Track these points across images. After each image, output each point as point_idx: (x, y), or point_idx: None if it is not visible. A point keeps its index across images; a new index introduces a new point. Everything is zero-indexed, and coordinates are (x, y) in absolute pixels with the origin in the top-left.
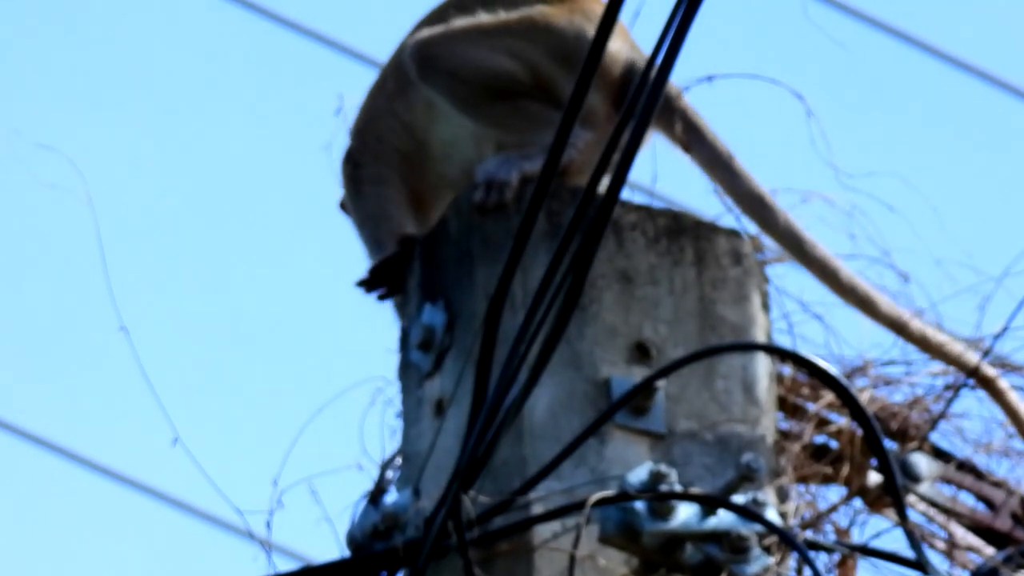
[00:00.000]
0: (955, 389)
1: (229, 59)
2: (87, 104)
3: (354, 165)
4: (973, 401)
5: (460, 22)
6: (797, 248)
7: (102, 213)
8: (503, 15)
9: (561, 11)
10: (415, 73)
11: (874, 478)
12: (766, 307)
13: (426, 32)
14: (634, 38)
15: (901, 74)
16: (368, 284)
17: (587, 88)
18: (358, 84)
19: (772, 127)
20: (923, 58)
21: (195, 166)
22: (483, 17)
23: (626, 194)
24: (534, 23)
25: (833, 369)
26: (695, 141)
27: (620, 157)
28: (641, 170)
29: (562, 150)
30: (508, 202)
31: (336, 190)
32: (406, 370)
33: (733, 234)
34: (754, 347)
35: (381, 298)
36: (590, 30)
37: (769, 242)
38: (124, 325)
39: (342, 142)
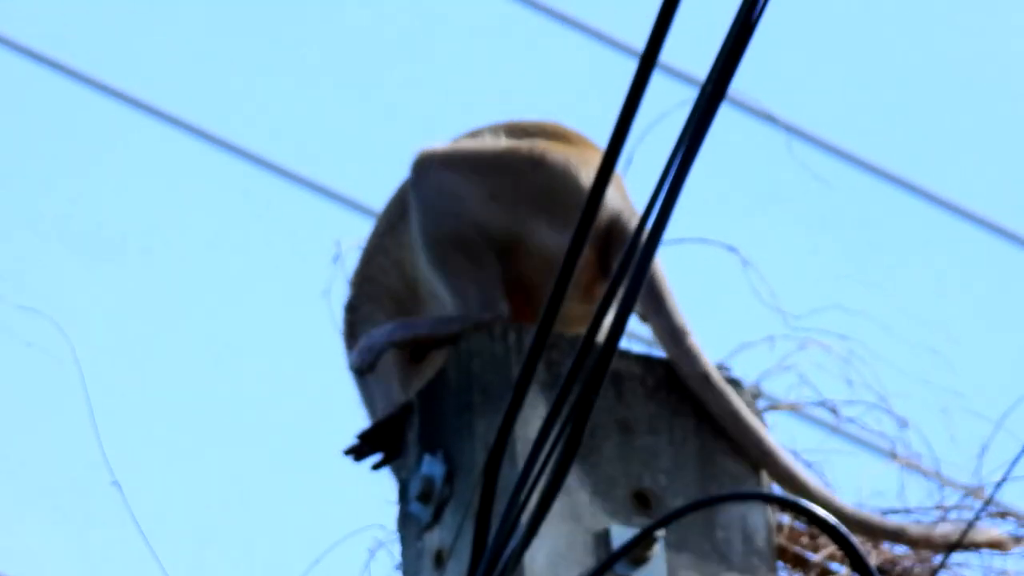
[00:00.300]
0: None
1: (221, 209)
2: (71, 261)
3: (351, 311)
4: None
5: (465, 143)
6: (736, 427)
7: (89, 370)
8: (503, 142)
9: (558, 149)
10: (411, 182)
11: None
12: None
13: (434, 146)
14: (625, 184)
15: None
16: (358, 451)
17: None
18: (355, 232)
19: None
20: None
21: (187, 320)
22: (487, 141)
23: (625, 343)
24: (530, 158)
25: (833, 519)
26: (653, 312)
27: (618, 308)
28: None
29: (563, 295)
30: (365, 368)
31: (333, 339)
32: (405, 522)
33: (734, 383)
34: (754, 496)
35: (376, 467)
36: (581, 176)
37: (767, 390)
38: (116, 480)
39: (340, 289)
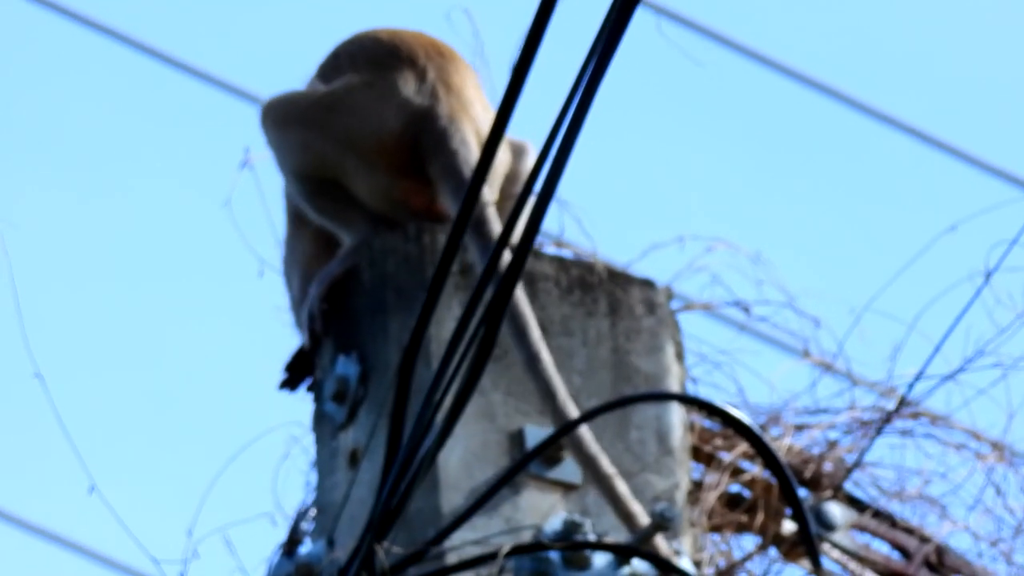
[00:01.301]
0: (871, 437)
1: (127, 110)
2: None
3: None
4: (886, 449)
5: (292, 94)
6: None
7: (15, 261)
8: (317, 90)
9: (362, 85)
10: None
11: (788, 527)
12: (680, 357)
13: (274, 96)
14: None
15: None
16: (290, 382)
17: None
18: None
19: (682, 175)
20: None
21: (106, 215)
22: (308, 90)
23: (539, 244)
24: (331, 103)
25: (747, 419)
26: (517, 343)
27: (532, 207)
28: (554, 220)
29: (475, 200)
30: (316, 339)
31: (236, 246)
32: (320, 421)
33: (646, 284)
34: (668, 396)
35: (311, 389)
36: (380, 108)
37: (679, 291)
38: (39, 372)
39: (244, 198)
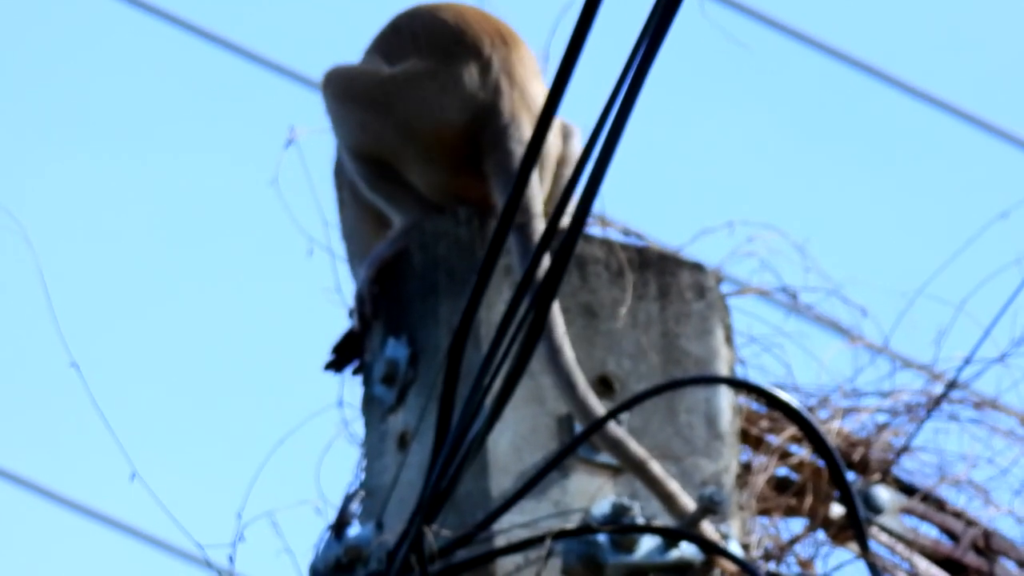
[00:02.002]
0: (919, 421)
1: (172, 87)
2: (22, 141)
3: (336, 176)
4: (931, 433)
5: (349, 70)
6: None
7: (45, 252)
8: (381, 71)
9: (426, 73)
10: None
11: (837, 510)
12: (729, 340)
13: (337, 66)
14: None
15: (860, 103)
16: (336, 364)
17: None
18: (310, 111)
19: (731, 158)
20: (884, 88)
21: (149, 192)
22: (371, 68)
23: (589, 227)
24: (394, 89)
25: (795, 402)
26: (552, 368)
27: (583, 192)
28: (606, 203)
29: (525, 183)
30: (366, 322)
31: (283, 225)
32: (369, 404)
33: (696, 268)
34: (717, 380)
35: (356, 372)
36: (442, 100)
37: (729, 274)
38: (75, 361)
39: (291, 176)
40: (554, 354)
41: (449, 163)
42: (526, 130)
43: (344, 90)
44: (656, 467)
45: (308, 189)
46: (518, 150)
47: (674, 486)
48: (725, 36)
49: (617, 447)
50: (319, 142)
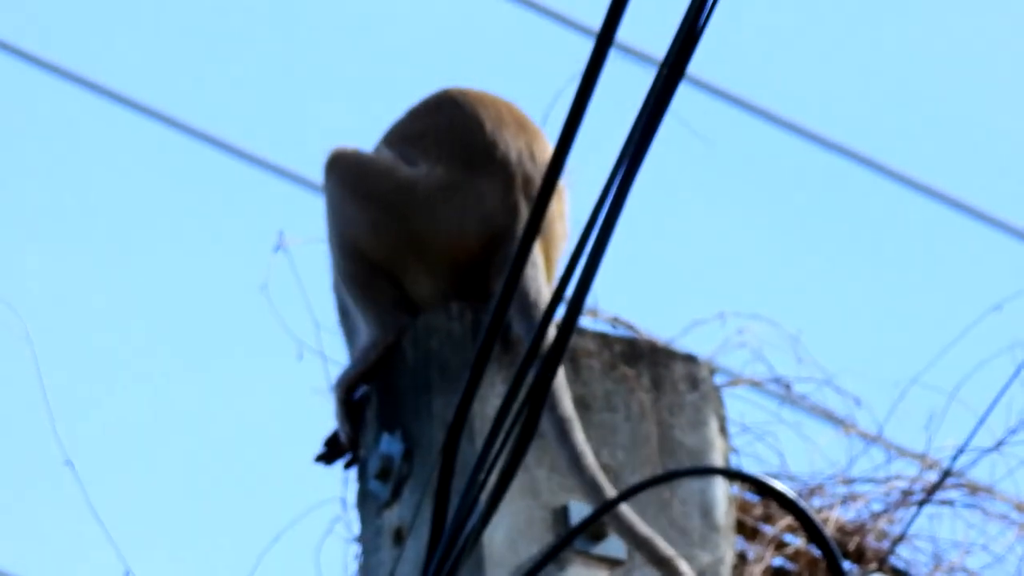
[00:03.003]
0: (917, 506)
1: (164, 184)
2: (19, 238)
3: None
4: (926, 520)
5: (366, 160)
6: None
7: (39, 347)
8: (400, 170)
9: (449, 185)
10: (323, 180)
11: None
12: (723, 431)
13: (344, 149)
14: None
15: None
16: (327, 456)
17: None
18: (301, 208)
19: (721, 250)
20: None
21: (136, 295)
22: (390, 165)
23: (582, 320)
24: (413, 196)
25: (791, 492)
26: (559, 442)
27: (576, 285)
28: (599, 296)
29: (518, 278)
30: (350, 439)
31: (273, 331)
32: (364, 499)
33: (689, 359)
34: (713, 471)
35: (348, 466)
36: (461, 217)
37: (721, 365)
38: (69, 459)
39: (280, 281)
40: (562, 434)
41: (453, 277)
42: (538, 255)
43: (354, 182)
44: (663, 544)
45: (298, 290)
46: (530, 273)
47: (683, 565)
48: (692, 133)
49: (631, 535)
50: (308, 244)
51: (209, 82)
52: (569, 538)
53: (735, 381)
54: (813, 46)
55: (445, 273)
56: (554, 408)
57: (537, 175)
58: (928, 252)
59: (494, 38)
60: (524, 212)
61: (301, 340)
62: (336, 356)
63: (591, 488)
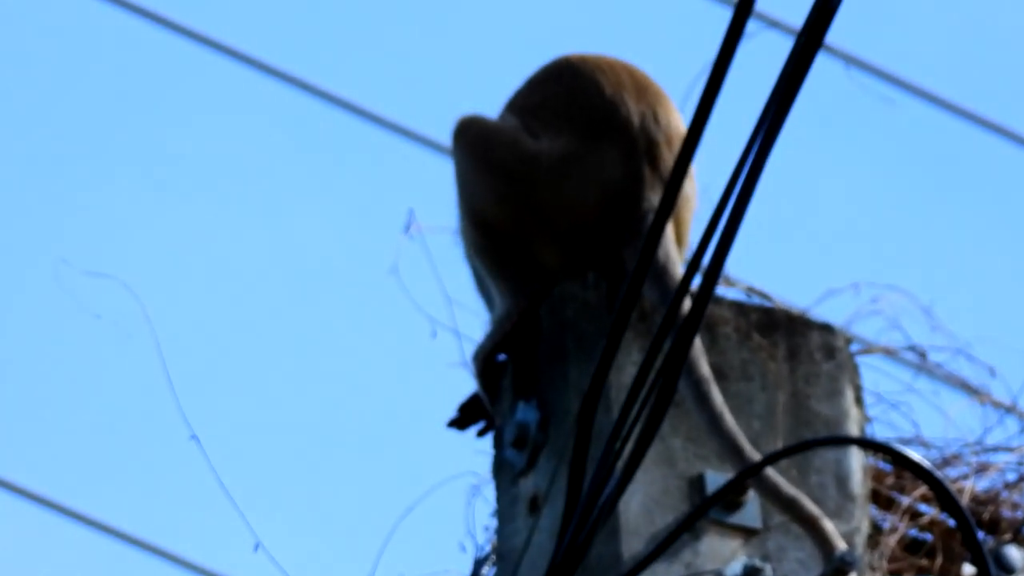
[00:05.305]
0: None
1: (289, 152)
2: (137, 212)
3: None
4: None
5: (495, 128)
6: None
7: (162, 328)
8: (524, 142)
9: (572, 156)
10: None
11: (968, 570)
12: (859, 401)
13: (472, 116)
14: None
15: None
16: (460, 422)
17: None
18: (433, 172)
19: (854, 218)
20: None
21: (264, 263)
22: (515, 136)
23: (719, 288)
24: (537, 166)
25: (926, 462)
26: (698, 408)
27: (712, 255)
28: (733, 264)
29: (653, 252)
30: (491, 408)
31: (404, 308)
32: (500, 468)
33: (825, 328)
34: (848, 441)
35: (480, 434)
36: (584, 185)
37: (856, 334)
38: (195, 434)
39: (410, 261)
40: (700, 396)
41: (581, 245)
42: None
43: (482, 151)
44: (809, 504)
45: (429, 268)
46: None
47: (828, 525)
48: (869, 95)
49: (789, 503)
50: (439, 218)
51: (339, 46)
52: (708, 504)
53: (869, 349)
54: (962, 16)
55: (573, 242)
56: (691, 372)
57: (662, 138)
58: None
59: (624, 6)
60: (648, 176)
61: (434, 318)
62: (469, 332)
63: (731, 450)
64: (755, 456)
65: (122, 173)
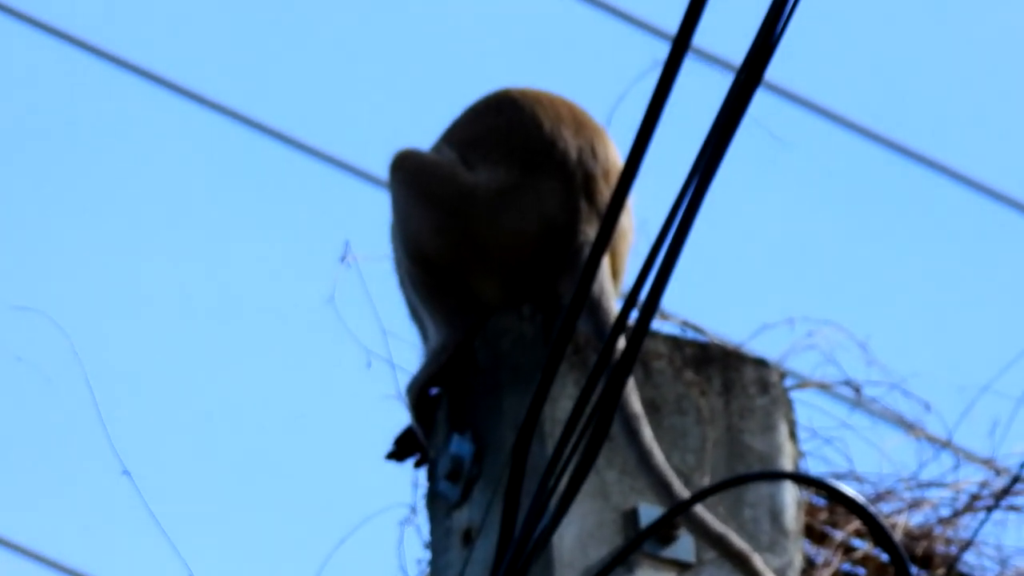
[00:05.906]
0: (985, 513)
1: (225, 183)
2: (63, 247)
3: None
4: (992, 526)
5: (430, 161)
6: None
7: (89, 362)
8: (461, 175)
9: (510, 188)
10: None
11: None
12: (793, 436)
13: (409, 150)
14: None
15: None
16: (397, 454)
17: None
18: (369, 203)
19: (787, 252)
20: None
21: (192, 298)
22: (452, 168)
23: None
24: (475, 200)
25: (860, 497)
26: (628, 441)
27: (648, 292)
28: (669, 298)
29: (589, 286)
30: (425, 442)
31: (340, 340)
32: (434, 500)
33: (760, 363)
34: (781, 476)
35: (418, 465)
36: (521, 218)
37: (791, 369)
38: (127, 469)
39: (345, 291)
40: (631, 432)
41: (517, 277)
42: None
43: (419, 184)
44: (737, 540)
45: (364, 298)
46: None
47: (758, 561)
48: (768, 135)
49: (717, 540)
50: (375, 249)
51: (274, 78)
52: (640, 539)
53: (804, 384)
54: (892, 51)
55: (509, 274)
56: (623, 407)
57: (599, 172)
58: (1000, 259)
59: (559, 36)
60: (585, 210)
61: (369, 349)
62: (405, 363)
63: (660, 487)
64: (684, 493)
65: (50, 204)
